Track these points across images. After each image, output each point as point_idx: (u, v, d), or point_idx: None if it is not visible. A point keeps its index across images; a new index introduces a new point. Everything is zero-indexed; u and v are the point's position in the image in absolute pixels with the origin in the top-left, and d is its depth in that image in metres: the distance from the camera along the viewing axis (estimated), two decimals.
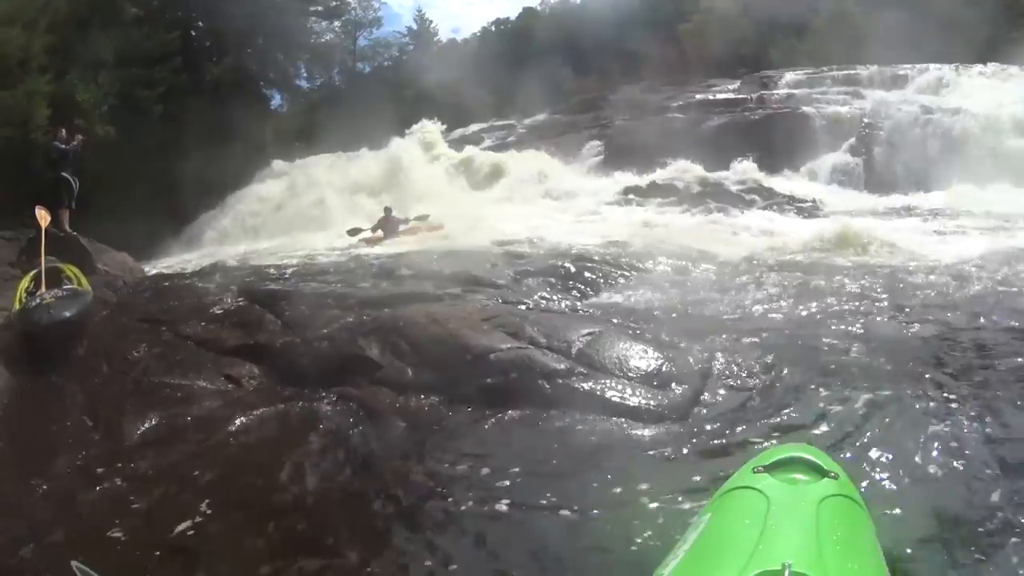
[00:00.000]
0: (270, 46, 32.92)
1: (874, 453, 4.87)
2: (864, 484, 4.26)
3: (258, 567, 4.45)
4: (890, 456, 4.81)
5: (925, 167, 22.62)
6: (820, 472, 3.30)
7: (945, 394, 5.70)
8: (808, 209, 20.16)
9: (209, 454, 6.22)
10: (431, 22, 61.22)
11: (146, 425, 6.83)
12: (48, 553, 4.79)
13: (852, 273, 10.11)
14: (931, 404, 5.53)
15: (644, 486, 4.75)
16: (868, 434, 5.15)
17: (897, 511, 4.18)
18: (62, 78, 20.90)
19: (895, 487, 4.47)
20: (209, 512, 5.19)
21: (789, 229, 15.72)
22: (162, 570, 4.55)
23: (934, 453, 4.81)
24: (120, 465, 6.18)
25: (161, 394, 7.42)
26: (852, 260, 11.16)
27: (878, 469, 4.67)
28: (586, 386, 6.33)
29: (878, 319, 7.84)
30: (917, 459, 4.77)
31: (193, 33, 29.67)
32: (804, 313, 8.36)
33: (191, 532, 4.92)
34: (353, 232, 20.41)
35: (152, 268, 17.79)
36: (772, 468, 3.33)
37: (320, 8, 36.35)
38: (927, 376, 6.11)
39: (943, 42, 29.74)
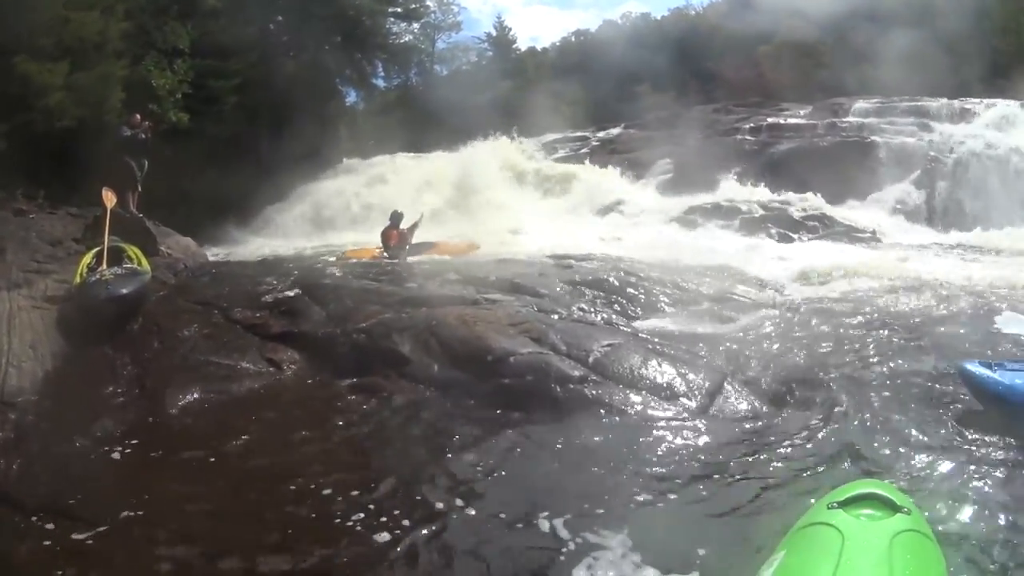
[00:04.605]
0: (348, 44, 33.10)
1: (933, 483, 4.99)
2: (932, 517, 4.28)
3: (263, 540, 4.78)
4: (956, 491, 4.87)
5: (988, 204, 22.33)
6: (893, 508, 3.41)
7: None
8: (866, 240, 20.13)
9: (241, 429, 6.66)
10: (510, 29, 61.21)
11: (188, 398, 7.32)
12: (82, 503, 5.25)
13: (886, 309, 10.15)
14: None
15: (631, 497, 5.06)
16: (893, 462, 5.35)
17: (968, 547, 4.21)
18: (138, 64, 21.55)
19: (965, 521, 4.51)
20: (230, 483, 5.66)
21: (839, 259, 15.65)
22: (176, 529, 4.95)
23: (1001, 487, 4.92)
24: (158, 431, 6.69)
25: (205, 371, 7.92)
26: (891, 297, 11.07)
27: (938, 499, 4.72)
28: (596, 393, 6.64)
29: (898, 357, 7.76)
30: (984, 492, 4.88)
31: (271, 27, 30.06)
32: (825, 342, 8.47)
33: (210, 501, 5.37)
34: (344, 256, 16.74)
35: (216, 254, 18.27)
36: (846, 504, 3.46)
37: (399, 10, 36.57)
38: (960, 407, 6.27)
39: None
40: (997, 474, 5.07)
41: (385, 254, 16.26)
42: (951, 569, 3.38)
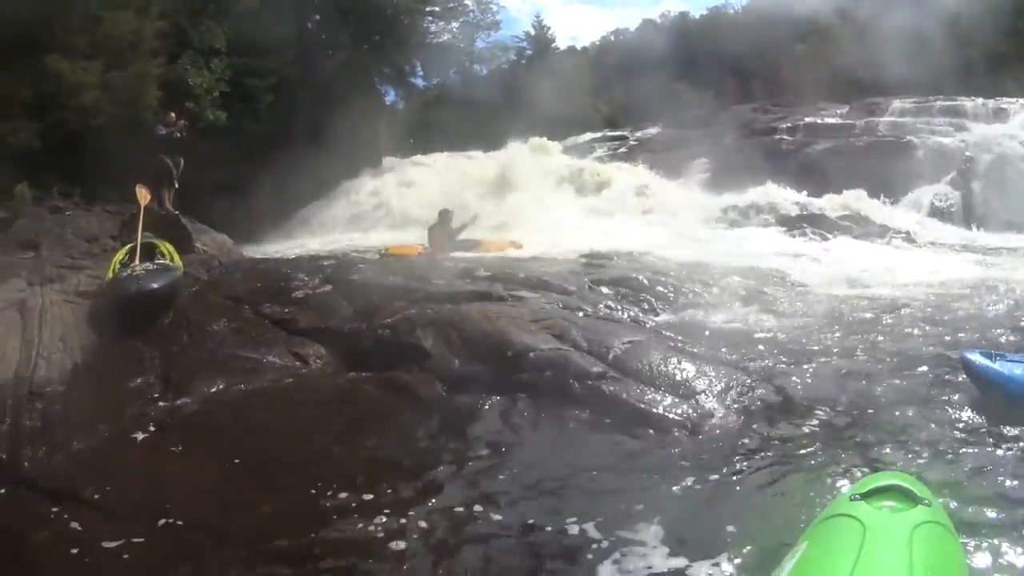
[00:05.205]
0: (385, 43, 33.13)
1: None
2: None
3: (282, 536, 4.82)
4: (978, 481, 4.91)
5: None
6: (914, 499, 3.45)
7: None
8: (901, 240, 19.95)
9: (264, 422, 6.80)
10: (548, 28, 61.20)
11: (212, 390, 7.45)
12: (103, 493, 5.39)
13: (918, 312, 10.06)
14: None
15: (636, 500, 5.03)
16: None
17: (984, 537, 4.20)
18: (174, 62, 21.78)
19: (979, 512, 4.50)
20: (249, 476, 5.77)
21: (873, 259, 15.54)
22: (194, 521, 5.04)
23: (1012, 479, 4.94)
24: (181, 424, 6.81)
25: (232, 365, 8.02)
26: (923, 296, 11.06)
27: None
28: (614, 389, 6.66)
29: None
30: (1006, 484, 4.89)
31: (308, 26, 30.15)
32: (849, 341, 8.47)
33: (228, 493, 5.49)
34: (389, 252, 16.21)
35: (252, 252, 18.39)
36: (868, 496, 3.50)
37: (437, 8, 36.54)
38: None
39: None
40: (1009, 466, 5.12)
41: (429, 250, 16.14)
42: (969, 560, 3.43)
